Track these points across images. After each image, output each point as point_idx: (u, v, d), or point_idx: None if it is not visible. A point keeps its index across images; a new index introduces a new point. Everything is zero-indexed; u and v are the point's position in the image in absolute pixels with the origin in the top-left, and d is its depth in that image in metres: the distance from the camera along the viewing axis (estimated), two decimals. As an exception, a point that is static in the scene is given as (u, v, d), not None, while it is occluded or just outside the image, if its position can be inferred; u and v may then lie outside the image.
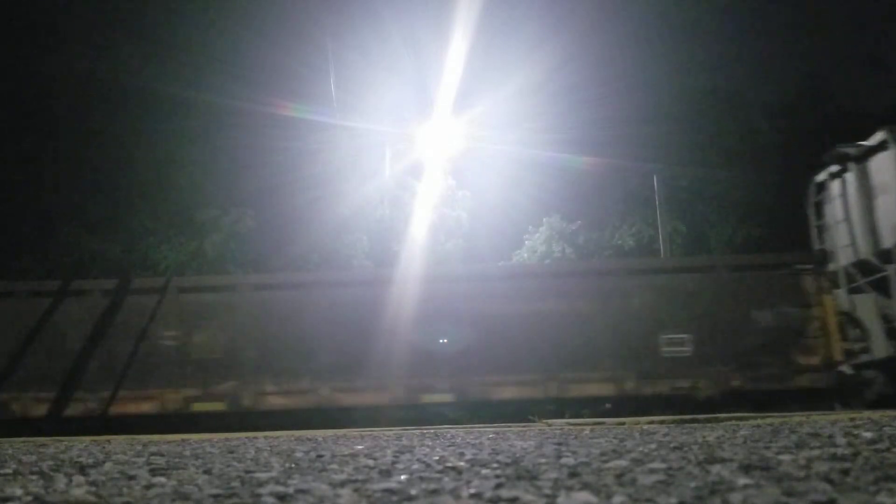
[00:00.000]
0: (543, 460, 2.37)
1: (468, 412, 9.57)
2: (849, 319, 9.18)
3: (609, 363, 8.91)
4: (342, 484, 1.91)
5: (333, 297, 9.12)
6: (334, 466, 2.42)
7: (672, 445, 2.85)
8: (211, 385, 8.79)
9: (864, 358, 8.96)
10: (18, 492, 1.96)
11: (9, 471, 2.58)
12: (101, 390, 8.73)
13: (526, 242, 21.84)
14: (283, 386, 8.82)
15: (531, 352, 8.92)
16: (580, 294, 9.18)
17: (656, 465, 2.11)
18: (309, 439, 4.34)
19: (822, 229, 10.41)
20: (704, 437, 3.35)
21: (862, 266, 9.25)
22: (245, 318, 8.98)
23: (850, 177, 9.98)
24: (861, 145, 9.87)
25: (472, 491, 1.71)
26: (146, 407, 8.74)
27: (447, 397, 8.97)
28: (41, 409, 8.70)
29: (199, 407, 8.74)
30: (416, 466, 2.32)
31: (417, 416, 8.85)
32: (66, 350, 8.84)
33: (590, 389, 8.97)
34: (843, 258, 9.62)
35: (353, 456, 2.82)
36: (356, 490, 1.79)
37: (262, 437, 4.75)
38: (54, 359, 8.81)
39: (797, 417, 5.29)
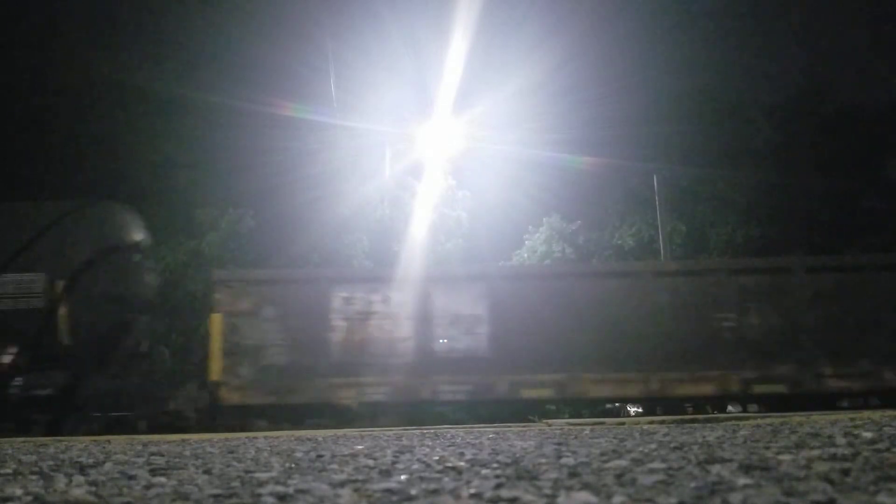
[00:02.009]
0: (543, 460, 2.36)
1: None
2: None
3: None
4: (342, 484, 1.91)
5: None
6: (334, 466, 2.42)
7: (672, 445, 2.85)
8: (769, 368, 9.04)
9: None
10: (18, 492, 1.95)
11: (9, 471, 2.58)
12: (659, 371, 9.05)
13: (526, 242, 21.83)
14: (841, 369, 9.06)
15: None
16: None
17: (656, 465, 2.11)
18: (309, 439, 4.34)
19: None
20: (704, 437, 3.35)
21: None
22: (798, 300, 9.22)
23: None
24: None
25: (472, 491, 1.71)
26: (706, 389, 9.03)
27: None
28: (603, 390, 9.10)
29: (759, 389, 9.03)
30: (416, 466, 2.32)
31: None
32: (622, 331, 9.19)
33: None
34: None
35: (353, 456, 2.82)
36: (356, 490, 1.79)
37: (262, 437, 4.75)
38: (614, 340, 9.16)
39: (797, 417, 5.29)
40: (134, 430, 8.16)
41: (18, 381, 8.07)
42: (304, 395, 9.07)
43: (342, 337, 9.28)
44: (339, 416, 8.94)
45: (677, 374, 9.06)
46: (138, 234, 9.33)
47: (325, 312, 9.33)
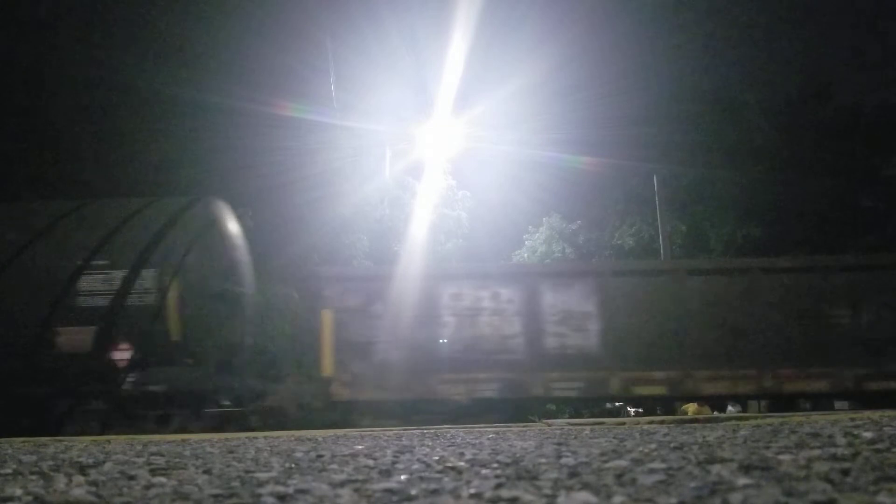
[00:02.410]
0: (543, 460, 2.36)
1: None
2: None
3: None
4: (342, 484, 1.91)
5: None
6: (334, 466, 2.42)
7: (672, 445, 2.85)
8: (883, 365, 9.03)
9: None
10: (18, 492, 1.95)
11: (9, 471, 2.58)
12: (773, 368, 9.04)
13: (526, 242, 21.84)
14: None
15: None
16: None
17: (656, 465, 2.11)
18: (309, 439, 4.34)
19: None
20: (704, 437, 3.35)
21: None
22: None
23: None
24: None
25: (472, 491, 1.71)
26: (819, 385, 9.04)
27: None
28: (716, 387, 9.07)
29: (872, 386, 9.02)
30: (416, 466, 2.32)
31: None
32: (734, 328, 9.19)
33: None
34: None
35: (353, 456, 2.82)
36: (356, 490, 1.79)
37: (261, 437, 4.75)
38: (726, 336, 9.16)
39: (797, 417, 5.29)
40: (245, 427, 8.20)
41: (131, 376, 8.13)
42: (415, 391, 9.14)
43: (452, 333, 9.34)
44: (449, 413, 8.99)
45: (791, 371, 9.06)
46: (237, 231, 9.43)
47: (434, 309, 9.40)
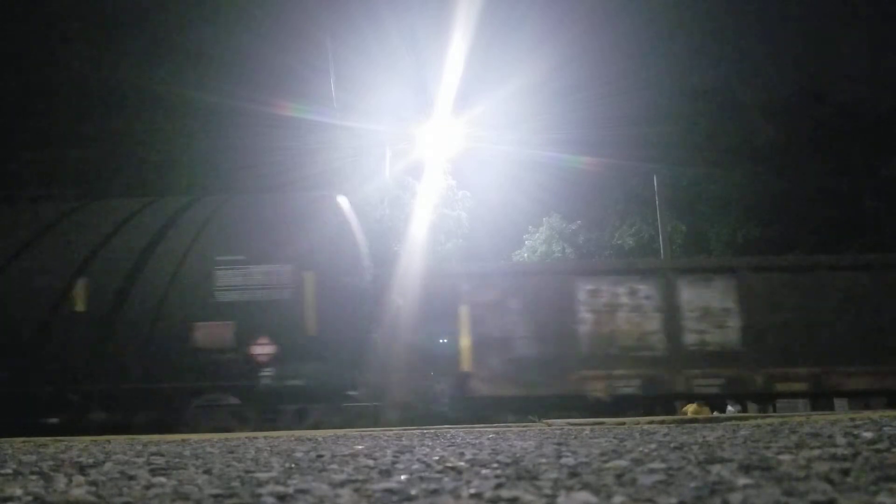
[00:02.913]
0: (543, 460, 2.37)
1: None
2: None
3: None
4: (342, 484, 1.91)
5: None
6: (334, 466, 2.42)
7: (672, 445, 2.85)
8: None
9: None
10: (18, 492, 1.95)
11: (9, 471, 2.58)
12: None
13: (526, 242, 21.84)
14: None
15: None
16: None
17: (656, 465, 2.11)
18: (309, 439, 4.34)
19: None
20: (704, 437, 3.35)
21: None
22: None
23: None
24: None
25: (472, 491, 1.71)
26: None
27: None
28: (860, 383, 9.09)
29: None
30: (416, 466, 2.32)
31: None
32: (878, 323, 9.19)
33: None
34: None
35: (353, 456, 2.82)
36: (356, 490, 1.79)
37: (262, 437, 4.75)
38: (870, 332, 9.16)
39: (797, 417, 5.29)
40: (378, 422, 8.28)
41: (269, 371, 8.21)
42: (554, 388, 9.16)
43: (590, 329, 9.35)
44: (588, 409, 9.04)
45: None
46: (360, 226, 9.55)
47: (571, 304, 9.40)
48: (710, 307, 9.36)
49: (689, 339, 9.26)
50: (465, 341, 9.26)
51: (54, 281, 8.31)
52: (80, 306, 8.24)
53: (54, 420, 8.05)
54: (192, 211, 8.92)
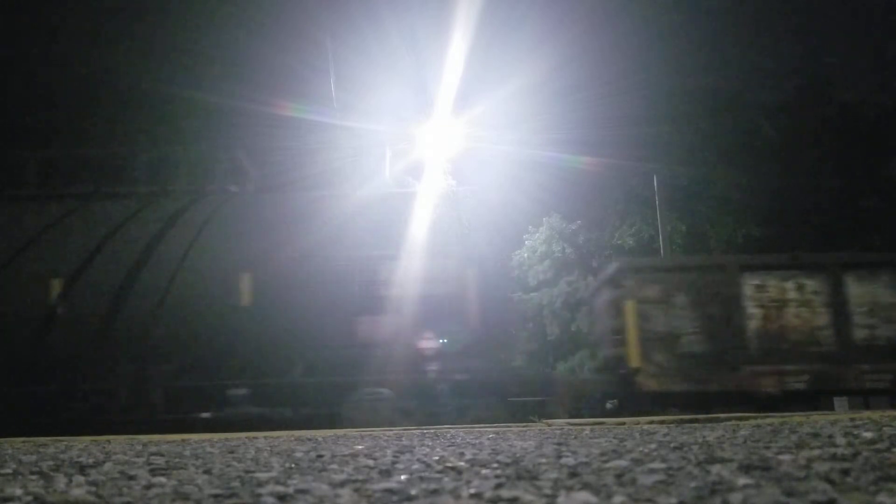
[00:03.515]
0: (543, 460, 2.36)
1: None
2: None
3: None
4: (342, 484, 1.91)
5: None
6: (334, 466, 2.42)
7: (672, 445, 2.85)
8: None
9: None
10: (18, 492, 1.95)
11: (9, 471, 2.58)
12: None
13: (526, 242, 21.84)
14: None
15: None
16: None
17: (656, 465, 2.11)
18: (309, 439, 4.34)
19: None
20: (704, 437, 3.35)
21: None
22: None
23: None
24: None
25: (472, 491, 1.71)
26: None
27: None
28: None
29: None
30: (416, 466, 2.32)
31: None
32: None
33: None
34: None
35: (353, 456, 2.82)
36: (356, 490, 1.79)
37: (262, 437, 4.74)
38: None
39: (797, 417, 5.29)
40: (539, 416, 8.37)
41: (434, 366, 8.31)
42: (723, 383, 9.18)
43: (759, 325, 9.36)
44: (755, 404, 9.06)
45: None
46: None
47: (737, 300, 9.42)
48: (879, 301, 9.37)
49: (859, 334, 9.27)
50: (632, 336, 9.26)
51: (223, 276, 8.41)
52: (245, 301, 8.34)
53: (206, 414, 8.10)
54: (360, 207, 9.10)
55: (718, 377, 9.17)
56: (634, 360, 9.21)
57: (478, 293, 8.42)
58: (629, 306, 9.40)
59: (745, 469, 1.94)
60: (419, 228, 8.72)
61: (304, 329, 8.22)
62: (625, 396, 9.32)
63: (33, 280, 8.41)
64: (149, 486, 2.01)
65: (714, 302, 9.40)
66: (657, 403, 9.25)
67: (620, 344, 9.51)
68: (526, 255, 21.25)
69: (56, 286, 8.36)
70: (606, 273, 10.34)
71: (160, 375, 8.16)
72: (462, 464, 2.35)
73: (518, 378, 8.74)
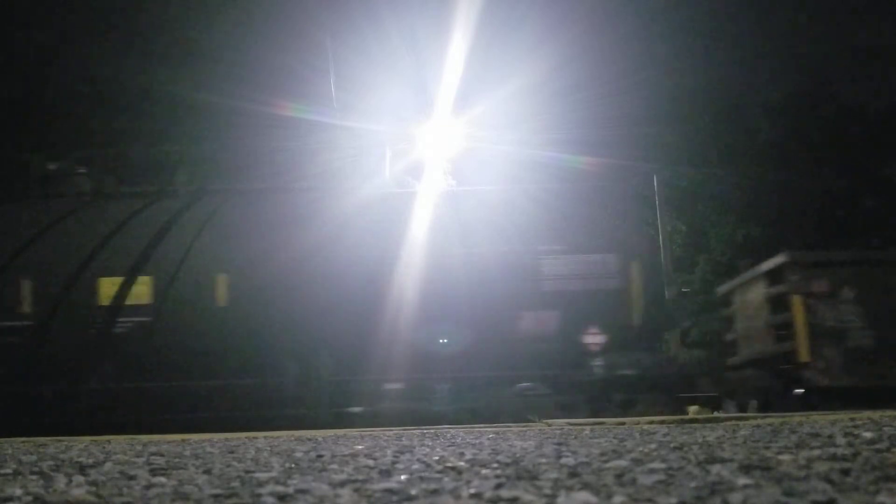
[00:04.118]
0: (543, 460, 2.36)
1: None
2: None
3: None
4: (342, 484, 1.91)
5: None
6: (334, 466, 2.42)
7: (672, 445, 2.85)
8: None
9: None
10: (18, 492, 1.95)
11: (9, 471, 2.58)
12: None
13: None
14: None
15: None
16: None
17: (656, 465, 2.11)
18: (309, 439, 4.34)
19: None
20: (704, 437, 3.35)
21: None
22: None
23: None
24: None
25: (472, 491, 1.71)
26: None
27: None
28: None
29: None
30: (416, 466, 2.32)
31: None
32: None
33: None
34: None
35: (353, 456, 2.82)
36: (356, 490, 1.79)
37: (262, 437, 4.74)
38: None
39: (797, 417, 5.28)
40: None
41: (599, 361, 8.37)
42: (892, 378, 9.02)
43: None
44: None
45: None
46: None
47: None
48: None
49: None
50: (801, 331, 9.16)
51: (401, 270, 8.55)
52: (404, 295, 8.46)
53: (360, 409, 8.25)
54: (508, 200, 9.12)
55: (888, 372, 9.03)
56: (804, 356, 9.08)
57: (642, 287, 8.48)
58: (797, 300, 9.25)
59: (745, 469, 1.94)
60: (583, 224, 8.83)
61: (468, 323, 8.33)
62: (785, 392, 9.22)
63: (202, 276, 8.55)
64: (149, 486, 2.01)
65: (883, 296, 9.27)
66: (821, 399, 9.08)
67: (785, 339, 9.40)
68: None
69: (222, 282, 8.49)
70: (764, 266, 10.18)
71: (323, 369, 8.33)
72: (462, 464, 2.35)
73: (685, 373, 8.72)
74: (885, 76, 22.82)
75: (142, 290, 8.64)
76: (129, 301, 8.60)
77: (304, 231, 8.80)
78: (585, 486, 1.72)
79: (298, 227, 8.91)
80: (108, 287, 8.63)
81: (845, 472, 1.80)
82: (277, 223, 9.09)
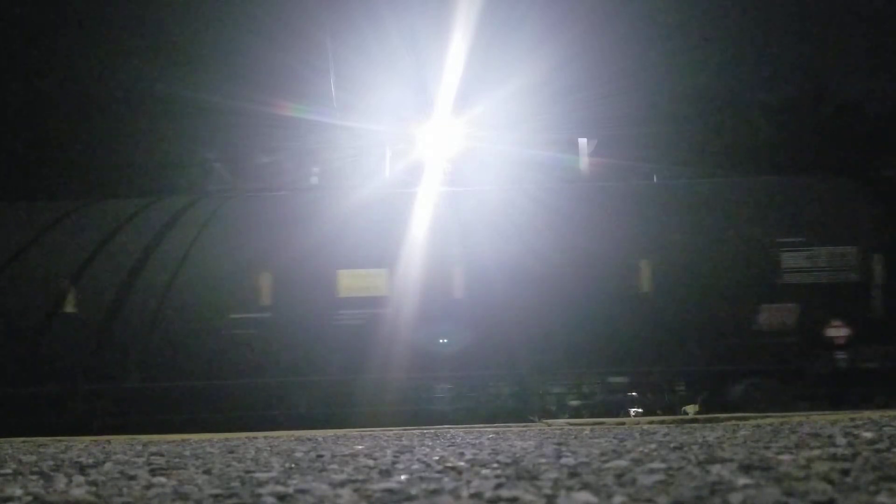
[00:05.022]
0: (543, 460, 2.36)
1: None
2: None
3: None
4: (342, 484, 1.91)
5: None
6: (334, 466, 2.42)
7: (672, 445, 2.85)
8: None
9: None
10: (18, 492, 1.96)
11: (9, 471, 2.58)
12: None
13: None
14: None
15: None
16: None
17: (656, 465, 2.11)
18: (309, 439, 4.34)
19: None
20: (704, 437, 3.35)
21: None
22: None
23: None
24: None
25: (472, 491, 1.71)
26: None
27: None
28: None
29: None
30: (416, 466, 2.32)
31: None
32: None
33: None
34: None
35: (353, 456, 2.82)
36: (356, 490, 1.79)
37: (261, 437, 4.74)
38: None
39: (797, 417, 5.28)
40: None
41: (842, 354, 8.40)
42: None
43: None
44: None
45: None
46: None
47: None
48: None
49: None
50: None
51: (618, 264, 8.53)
52: (646, 288, 8.47)
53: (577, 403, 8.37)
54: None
55: None
56: None
57: (885, 280, 8.47)
58: None
59: (745, 469, 1.94)
60: (827, 216, 8.85)
61: (705, 316, 8.40)
62: None
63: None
64: (149, 486, 2.01)
65: None
66: None
67: None
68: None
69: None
70: None
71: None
72: (462, 464, 2.35)
73: None
74: (885, 76, 22.82)
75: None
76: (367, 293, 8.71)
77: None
78: (585, 486, 1.72)
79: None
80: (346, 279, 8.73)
81: (845, 472, 1.80)
82: None
